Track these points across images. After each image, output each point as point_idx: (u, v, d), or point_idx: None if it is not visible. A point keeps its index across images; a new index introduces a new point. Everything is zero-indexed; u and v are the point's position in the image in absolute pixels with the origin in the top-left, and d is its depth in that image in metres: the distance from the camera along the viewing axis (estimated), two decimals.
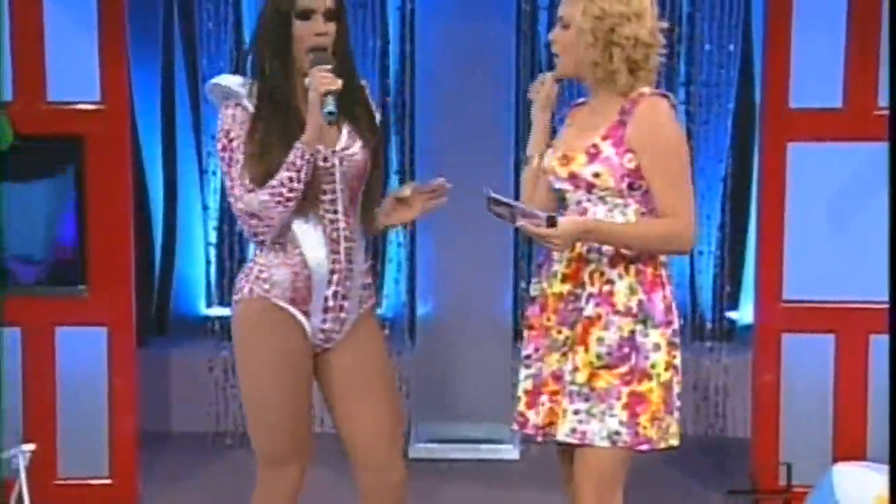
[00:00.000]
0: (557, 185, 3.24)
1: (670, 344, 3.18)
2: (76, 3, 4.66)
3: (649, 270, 3.18)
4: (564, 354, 3.21)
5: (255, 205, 3.19)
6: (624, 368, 3.15)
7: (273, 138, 3.21)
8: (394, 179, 5.83)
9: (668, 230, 3.14)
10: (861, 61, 4.62)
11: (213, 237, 6.14)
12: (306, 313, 3.31)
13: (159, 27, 6.17)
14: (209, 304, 6.38)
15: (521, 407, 3.30)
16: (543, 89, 3.35)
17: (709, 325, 5.92)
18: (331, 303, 3.32)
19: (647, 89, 3.17)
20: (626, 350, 3.15)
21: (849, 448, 4.71)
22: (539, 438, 3.28)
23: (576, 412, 3.17)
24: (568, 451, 3.27)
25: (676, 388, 3.21)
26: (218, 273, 6.15)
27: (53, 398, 4.79)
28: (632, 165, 3.14)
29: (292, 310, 3.29)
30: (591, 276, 3.18)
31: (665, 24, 3.21)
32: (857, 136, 4.62)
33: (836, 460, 4.57)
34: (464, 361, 5.57)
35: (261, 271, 3.29)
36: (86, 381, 4.78)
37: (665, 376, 3.17)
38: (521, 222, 3.11)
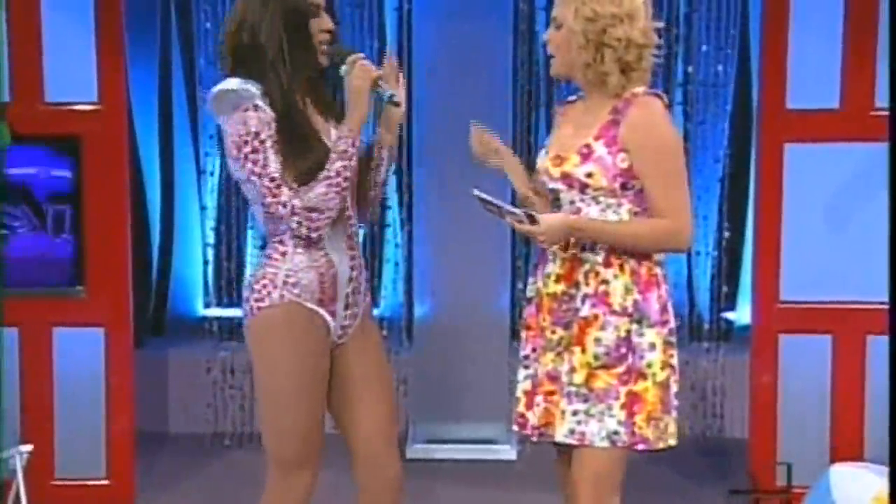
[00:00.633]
0: (551, 186, 3.24)
1: (666, 343, 3.18)
2: (73, 4, 4.66)
3: (644, 270, 3.18)
4: (559, 354, 3.21)
5: (314, 199, 3.18)
6: (621, 368, 3.15)
7: (306, 134, 3.22)
8: (392, 180, 5.82)
9: (661, 229, 3.14)
10: (858, 62, 4.62)
11: (210, 237, 6.14)
12: (332, 313, 3.32)
13: (156, 27, 6.18)
14: (207, 305, 6.38)
15: (521, 408, 3.30)
16: (476, 139, 3.38)
17: (706, 326, 5.92)
18: (350, 298, 3.34)
19: (640, 89, 3.16)
20: (623, 350, 3.15)
21: (846, 448, 4.71)
22: (534, 439, 3.28)
23: (574, 413, 3.17)
24: (565, 452, 3.27)
25: (674, 388, 3.21)
26: (215, 273, 6.14)
27: (51, 399, 4.79)
28: (625, 165, 3.14)
29: (321, 311, 3.30)
30: (585, 276, 3.18)
31: (660, 24, 3.21)
32: (854, 136, 4.62)
33: (833, 461, 4.57)
34: (461, 362, 5.57)
35: (288, 276, 3.27)
36: (83, 382, 4.78)
37: (661, 376, 3.16)
38: (507, 219, 3.15)
